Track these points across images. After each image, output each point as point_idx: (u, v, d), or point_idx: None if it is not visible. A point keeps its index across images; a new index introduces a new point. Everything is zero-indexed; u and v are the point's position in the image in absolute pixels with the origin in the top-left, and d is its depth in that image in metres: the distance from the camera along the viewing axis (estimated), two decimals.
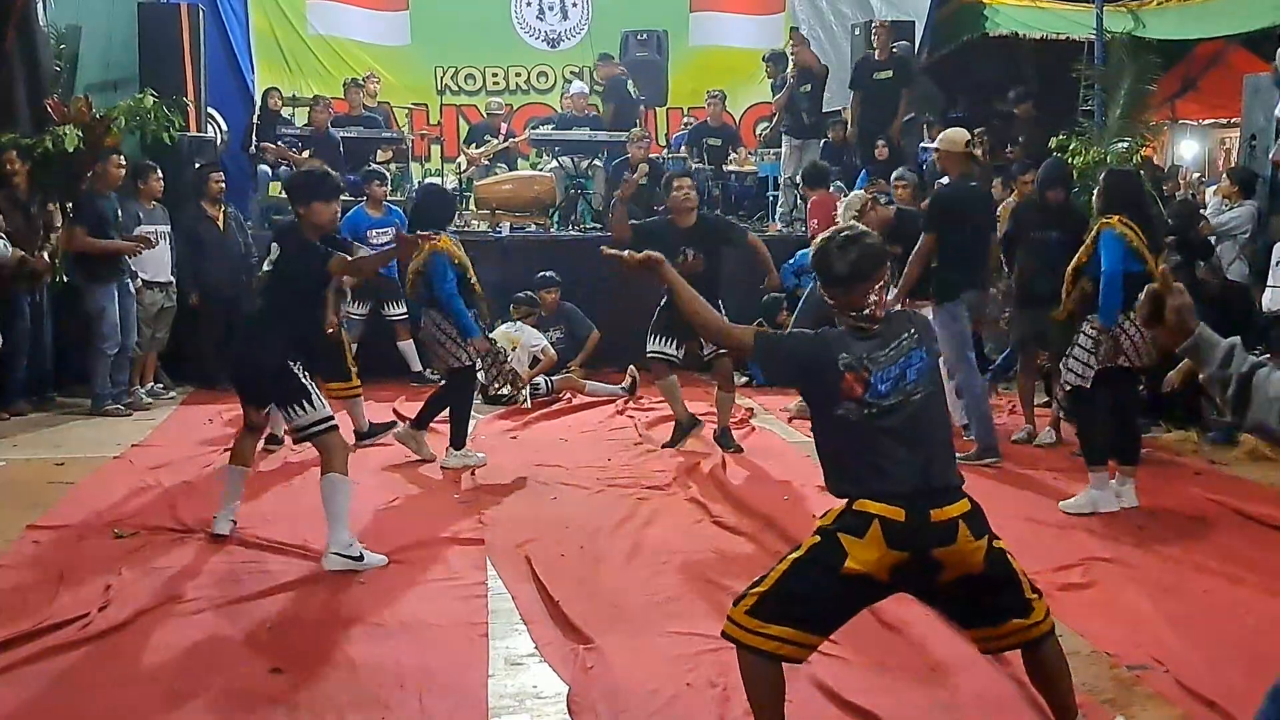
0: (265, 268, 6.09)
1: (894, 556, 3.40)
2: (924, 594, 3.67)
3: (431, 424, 8.16)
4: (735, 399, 8.78)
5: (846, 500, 3.52)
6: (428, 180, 8.87)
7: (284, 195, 10.34)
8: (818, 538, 3.52)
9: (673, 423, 8.66)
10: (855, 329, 3.60)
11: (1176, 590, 5.46)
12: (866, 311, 3.58)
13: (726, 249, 8.57)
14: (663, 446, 8.41)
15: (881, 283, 3.63)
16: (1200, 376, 2.39)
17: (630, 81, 14.45)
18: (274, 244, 6.16)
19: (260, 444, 6.89)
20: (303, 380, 5.70)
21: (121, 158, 10.00)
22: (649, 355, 8.41)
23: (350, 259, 6.11)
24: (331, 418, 5.79)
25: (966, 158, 8.37)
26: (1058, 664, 3.68)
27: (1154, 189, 10.90)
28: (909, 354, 3.54)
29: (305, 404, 5.68)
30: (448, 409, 7.97)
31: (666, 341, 8.28)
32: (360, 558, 5.61)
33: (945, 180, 8.61)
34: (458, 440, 7.87)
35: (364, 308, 10.77)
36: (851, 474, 3.53)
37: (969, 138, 8.60)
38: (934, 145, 9.06)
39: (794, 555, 3.56)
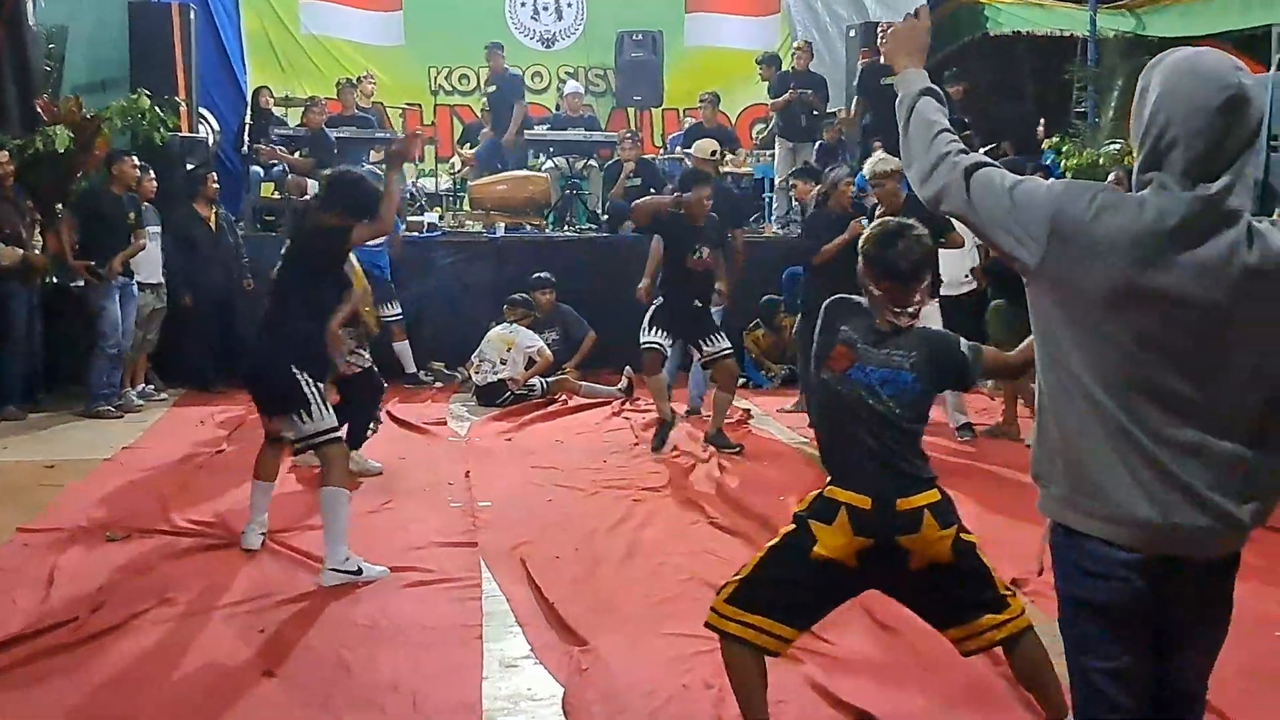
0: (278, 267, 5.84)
1: (860, 543, 3.49)
2: (895, 586, 3.70)
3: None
4: (733, 401, 8.77)
5: (821, 487, 3.61)
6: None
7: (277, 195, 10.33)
8: (793, 525, 3.62)
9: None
10: (881, 320, 3.61)
11: None
12: (911, 309, 3.61)
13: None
14: (652, 450, 8.33)
15: (926, 283, 3.65)
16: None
17: (511, 84, 14.30)
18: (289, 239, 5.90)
19: None
20: (305, 388, 5.56)
21: (135, 157, 9.97)
22: (643, 345, 8.34)
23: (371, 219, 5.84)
24: (335, 428, 5.69)
25: (711, 165, 9.68)
26: (1040, 662, 3.70)
27: None
28: (898, 371, 3.54)
29: (305, 413, 5.56)
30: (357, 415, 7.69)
31: (660, 333, 8.27)
32: (358, 571, 5.49)
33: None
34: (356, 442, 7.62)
35: None
36: (829, 452, 3.67)
37: (714, 148, 9.81)
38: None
39: (771, 543, 3.68)
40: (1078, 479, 2.45)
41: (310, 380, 5.60)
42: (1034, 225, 2.41)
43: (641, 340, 8.35)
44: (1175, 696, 2.56)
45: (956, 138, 2.62)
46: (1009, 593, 3.69)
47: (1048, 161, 11.41)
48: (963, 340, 3.70)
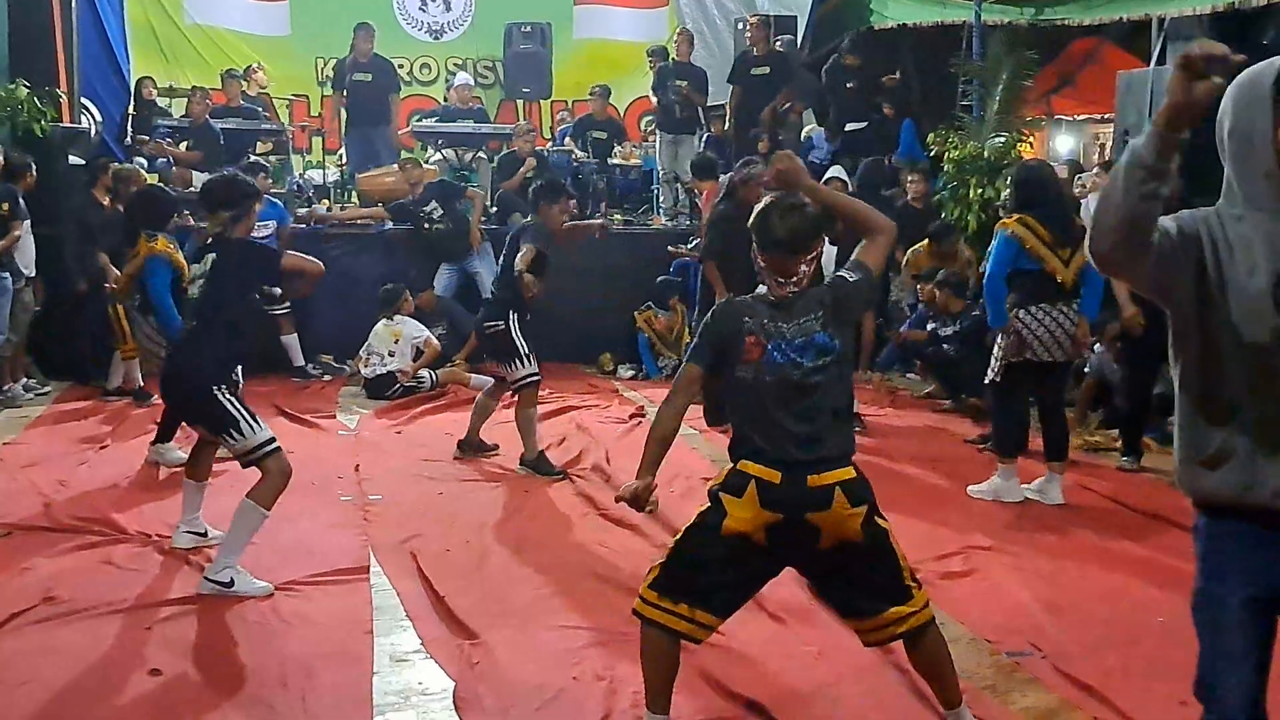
0: (197, 284, 5.60)
1: (767, 517, 3.52)
2: (806, 565, 3.74)
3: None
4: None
5: (732, 463, 3.63)
6: (147, 184, 8.63)
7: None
8: (708, 502, 3.66)
9: (554, 417, 8.67)
10: (772, 296, 3.66)
11: (1053, 577, 5.59)
12: (794, 280, 3.63)
13: None
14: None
15: (814, 255, 3.68)
16: None
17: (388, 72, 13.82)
18: (207, 256, 5.59)
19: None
20: (229, 408, 5.36)
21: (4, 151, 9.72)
22: (526, 379, 7.60)
23: (295, 253, 5.82)
24: (270, 440, 5.43)
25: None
26: (940, 654, 3.75)
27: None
28: (812, 335, 3.58)
29: (235, 432, 5.36)
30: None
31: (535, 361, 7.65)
32: (230, 584, 5.26)
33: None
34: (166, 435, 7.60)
35: None
36: (741, 437, 3.63)
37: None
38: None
39: (688, 524, 3.70)
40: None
41: (232, 399, 5.40)
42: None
43: (524, 375, 7.61)
44: None
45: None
46: (914, 584, 3.68)
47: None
48: (845, 270, 3.74)
